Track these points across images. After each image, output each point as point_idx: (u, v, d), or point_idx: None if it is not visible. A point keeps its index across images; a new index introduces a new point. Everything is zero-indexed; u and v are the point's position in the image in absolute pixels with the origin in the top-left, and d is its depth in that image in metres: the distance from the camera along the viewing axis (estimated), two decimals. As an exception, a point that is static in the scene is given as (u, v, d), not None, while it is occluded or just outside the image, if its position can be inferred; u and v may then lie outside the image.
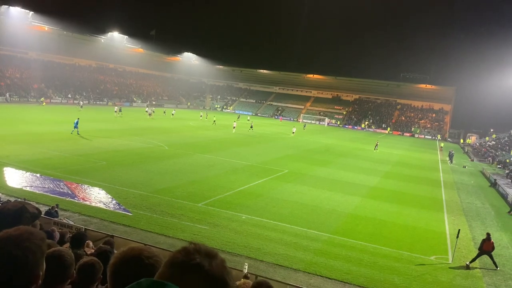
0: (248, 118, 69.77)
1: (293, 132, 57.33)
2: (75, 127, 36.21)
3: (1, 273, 1.62)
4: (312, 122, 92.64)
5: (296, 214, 19.17)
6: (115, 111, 59.27)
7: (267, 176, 27.03)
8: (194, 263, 1.29)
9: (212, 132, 49.63)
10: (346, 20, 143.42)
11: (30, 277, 1.69)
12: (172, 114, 68.06)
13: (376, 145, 49.77)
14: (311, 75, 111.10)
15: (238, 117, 71.20)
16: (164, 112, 70.21)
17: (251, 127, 58.75)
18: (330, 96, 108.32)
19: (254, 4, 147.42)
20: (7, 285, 1.64)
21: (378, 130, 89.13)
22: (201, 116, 70.77)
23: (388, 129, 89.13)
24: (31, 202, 12.04)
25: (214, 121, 62.55)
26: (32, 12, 76.90)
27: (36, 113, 50.39)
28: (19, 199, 15.25)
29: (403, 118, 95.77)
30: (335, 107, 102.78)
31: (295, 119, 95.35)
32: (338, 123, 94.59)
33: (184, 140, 39.66)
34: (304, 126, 70.57)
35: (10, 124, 37.65)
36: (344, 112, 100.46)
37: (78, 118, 37.39)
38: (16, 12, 74.57)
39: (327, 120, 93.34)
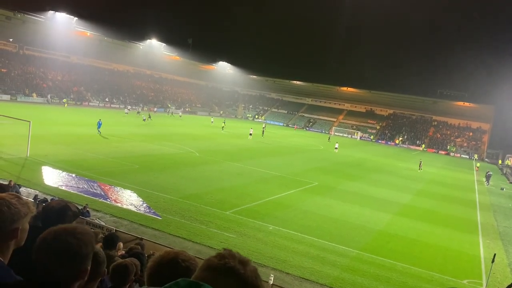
0: (264, 125, 69.16)
1: (336, 148, 53.17)
2: (99, 127, 37.85)
3: (58, 260, 1.71)
4: (344, 135, 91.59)
5: (324, 228, 18.91)
6: (144, 119, 58.22)
7: (296, 187, 26.85)
8: (229, 267, 1.35)
9: (242, 141, 49.85)
10: (383, 33, 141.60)
11: (81, 269, 1.77)
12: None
13: (420, 164, 47.49)
14: (344, 88, 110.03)
15: (264, 126, 69.79)
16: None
17: (263, 133, 59.28)
18: (364, 110, 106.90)
19: (290, 15, 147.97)
20: (61, 272, 1.72)
21: (412, 147, 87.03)
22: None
23: (423, 146, 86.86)
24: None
25: (223, 127, 61.58)
26: (76, 18, 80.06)
27: (74, 115, 52.17)
28: (55, 198, 15.76)
29: (439, 135, 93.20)
30: (369, 121, 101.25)
31: (327, 132, 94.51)
32: (372, 137, 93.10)
33: (215, 148, 40.02)
34: (329, 139, 69.54)
35: (50, 124, 39.09)
36: (378, 127, 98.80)
37: (100, 119, 38.69)
38: (61, 17, 77.80)
39: (359, 134, 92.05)
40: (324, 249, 16.20)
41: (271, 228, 17.72)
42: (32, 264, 1.74)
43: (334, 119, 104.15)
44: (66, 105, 66.29)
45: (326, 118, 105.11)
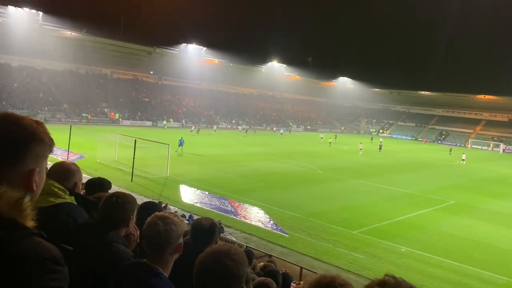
0: (381, 139, 64.91)
1: (463, 160, 50.17)
2: (180, 145, 38.18)
3: (218, 282, 1.81)
4: (483, 148, 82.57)
5: (466, 251, 17.04)
6: (240, 131, 62.03)
7: (430, 206, 24.81)
8: None
9: (364, 158, 48.11)
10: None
11: None
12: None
13: None
14: (481, 96, 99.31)
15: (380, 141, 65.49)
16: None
17: (380, 148, 55.94)
18: (506, 119, 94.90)
19: (411, 23, 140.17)
20: None
21: None
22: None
23: None
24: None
25: (330, 142, 59.77)
26: (205, 48, 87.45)
27: (204, 137, 56.37)
28: (193, 214, 17.02)
29: None
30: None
31: (462, 145, 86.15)
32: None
33: (337, 165, 39.35)
34: (450, 151, 63.05)
35: (184, 146, 42.73)
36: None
37: (182, 137, 39.80)
38: (192, 48, 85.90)
39: (502, 146, 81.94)
40: (467, 275, 14.56)
41: (403, 249, 16.58)
42: (194, 285, 1.87)
43: (471, 131, 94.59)
44: (166, 127, 68.22)
45: (460, 129, 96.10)
